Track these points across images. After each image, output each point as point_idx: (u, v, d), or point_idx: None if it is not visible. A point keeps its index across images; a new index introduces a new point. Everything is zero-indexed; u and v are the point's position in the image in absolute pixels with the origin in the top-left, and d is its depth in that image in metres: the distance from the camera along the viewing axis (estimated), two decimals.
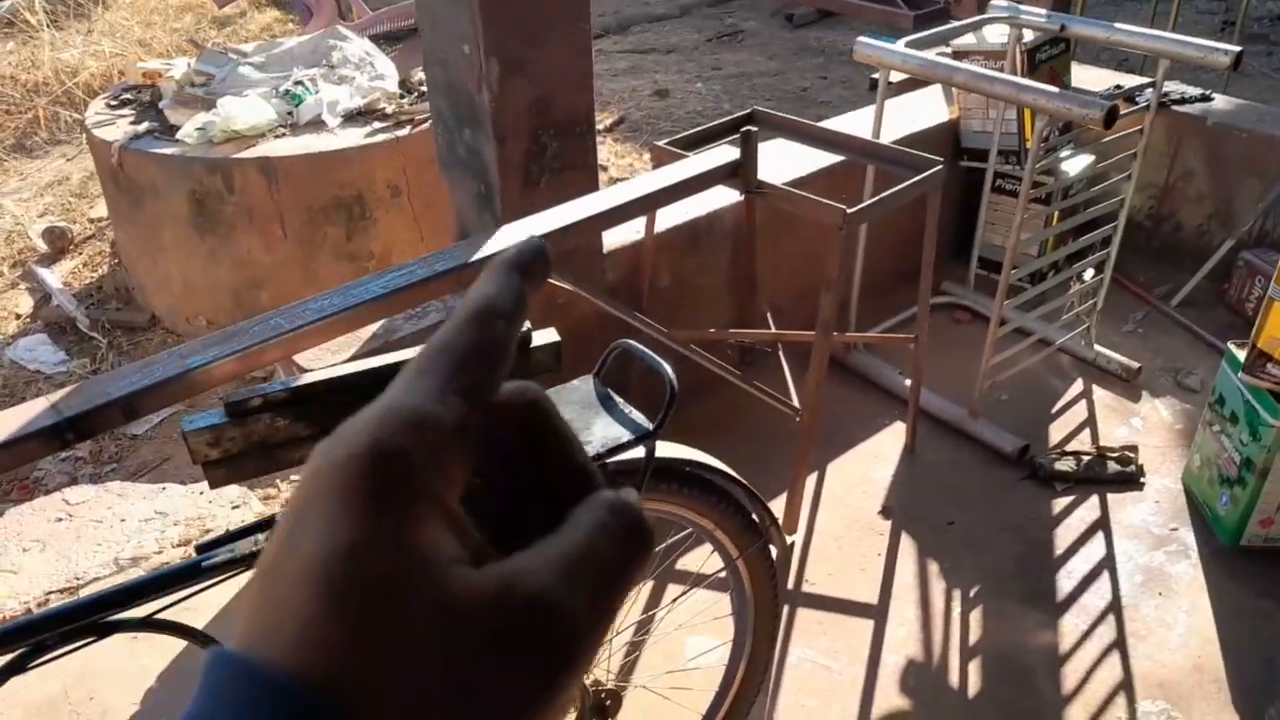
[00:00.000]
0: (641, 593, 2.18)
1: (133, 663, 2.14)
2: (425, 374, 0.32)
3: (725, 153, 2.01)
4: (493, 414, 0.34)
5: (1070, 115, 2.20)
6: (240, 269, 3.57)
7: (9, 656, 1.06)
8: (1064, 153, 2.96)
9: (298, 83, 3.76)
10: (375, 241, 3.59)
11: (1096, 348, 3.08)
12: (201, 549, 1.15)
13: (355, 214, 3.52)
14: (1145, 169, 2.93)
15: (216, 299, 3.65)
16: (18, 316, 3.94)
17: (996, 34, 3.08)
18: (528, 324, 1.38)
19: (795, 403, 2.32)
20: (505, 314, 0.35)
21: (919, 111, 3.35)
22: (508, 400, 0.36)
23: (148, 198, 3.55)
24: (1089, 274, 3.01)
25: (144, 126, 3.66)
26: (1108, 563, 2.39)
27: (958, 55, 3.07)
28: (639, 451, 1.37)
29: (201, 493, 2.79)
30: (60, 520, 2.67)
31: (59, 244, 4.29)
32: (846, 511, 2.54)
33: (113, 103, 3.95)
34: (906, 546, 2.43)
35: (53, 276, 4.11)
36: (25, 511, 2.72)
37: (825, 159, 2.69)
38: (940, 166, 2.18)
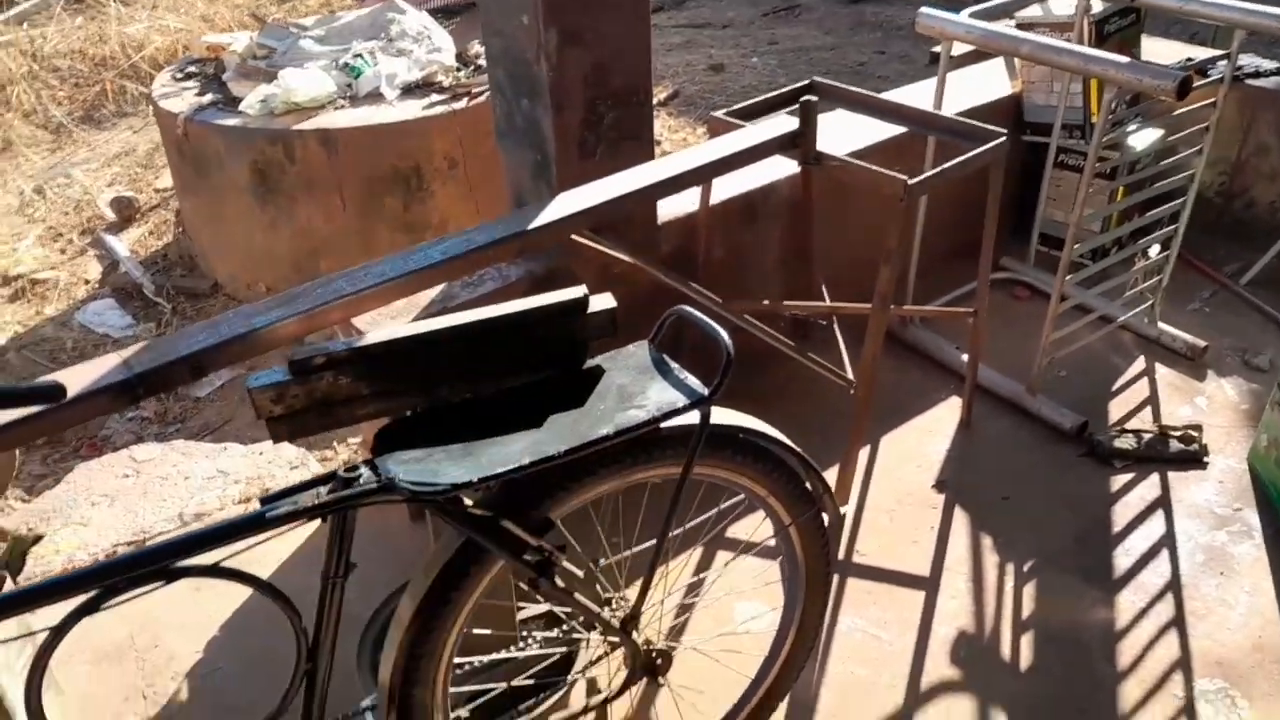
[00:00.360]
0: (693, 557, 2.20)
1: (196, 612, 2.21)
2: None
3: (784, 123, 1.99)
4: None
5: (1141, 86, 2.14)
6: (300, 238, 3.63)
7: (83, 597, 1.10)
8: (1131, 127, 2.88)
9: (357, 55, 3.80)
10: (432, 213, 3.63)
11: (1160, 325, 3.01)
12: (265, 501, 1.19)
13: (413, 185, 3.56)
14: (1216, 144, 2.84)
15: (276, 267, 3.72)
16: (87, 282, 4.06)
17: (1063, 5, 3.00)
18: (583, 289, 1.39)
19: (850, 375, 2.31)
20: None
21: (981, 85, 3.29)
22: None
23: (211, 168, 3.63)
24: (1154, 250, 2.93)
25: (208, 99, 3.73)
26: (1167, 541, 2.34)
27: (1022, 27, 3.00)
28: (693, 417, 1.38)
29: (261, 453, 2.86)
30: (127, 476, 2.75)
31: (126, 213, 4.40)
32: (899, 485, 2.52)
33: (178, 76, 4.03)
34: (960, 521, 2.41)
35: (120, 244, 4.22)
36: (94, 467, 2.82)
37: (885, 131, 2.65)
38: (1004, 137, 2.14)
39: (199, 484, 2.71)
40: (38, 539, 2.55)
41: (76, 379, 1.33)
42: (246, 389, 1.21)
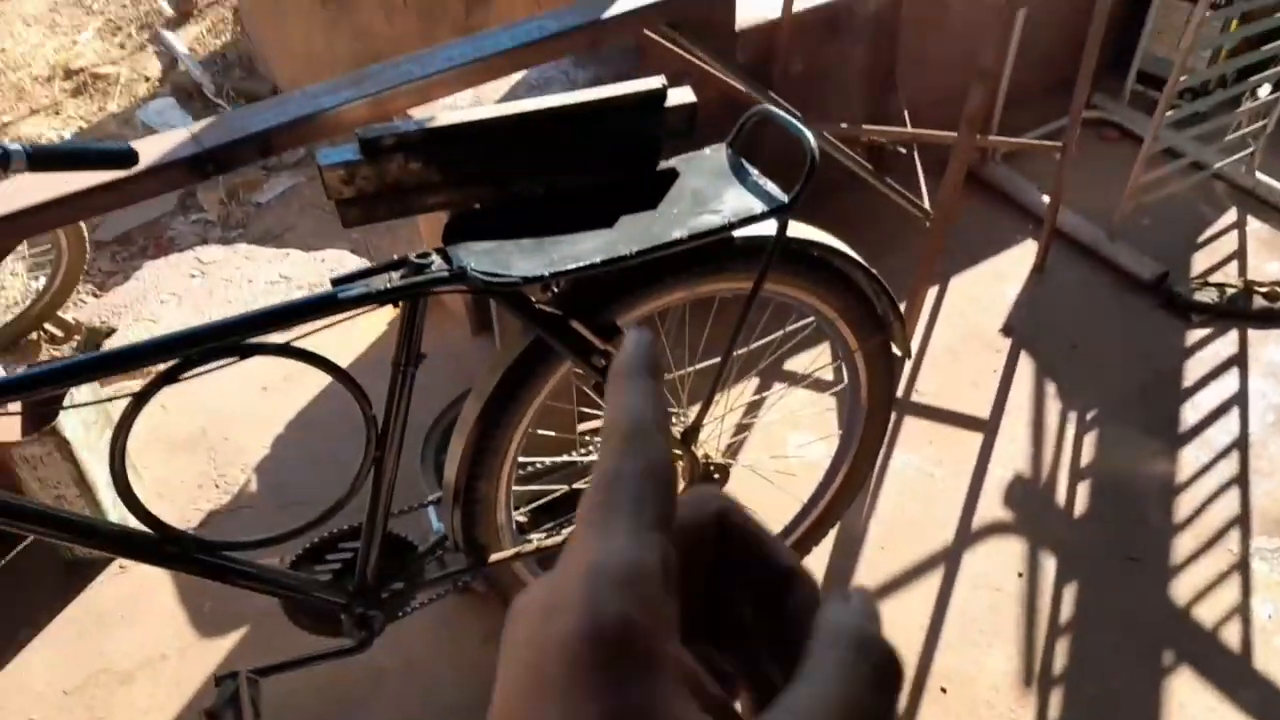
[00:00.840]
0: (752, 381, 2.18)
1: (263, 410, 2.26)
2: (612, 513, 0.29)
3: None
4: (682, 535, 0.30)
5: None
6: (360, 40, 3.52)
7: (163, 367, 1.11)
8: None
9: None
10: (494, 19, 3.47)
11: (1259, 175, 2.84)
12: (337, 282, 1.17)
13: None
14: None
15: (336, 70, 3.60)
16: (147, 80, 4.00)
17: None
18: (663, 79, 1.31)
19: (927, 206, 2.21)
20: (658, 425, 0.31)
21: None
22: (693, 518, 0.33)
23: None
24: (1264, 91, 2.73)
25: None
26: (1239, 399, 2.28)
27: None
28: (770, 228, 1.32)
29: (323, 260, 2.86)
30: (194, 277, 2.78)
31: (184, 8, 4.30)
32: (965, 326, 2.46)
33: None
34: (1024, 366, 2.36)
35: (179, 41, 4.13)
36: (161, 266, 2.85)
37: None
38: None
39: (263, 287, 2.74)
40: (111, 331, 2.60)
41: (148, 150, 1.31)
42: (317, 165, 1.18)
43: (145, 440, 2.19)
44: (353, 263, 2.81)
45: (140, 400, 1.09)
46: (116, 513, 1.88)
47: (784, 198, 1.30)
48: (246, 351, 1.14)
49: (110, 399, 1.16)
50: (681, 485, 1.57)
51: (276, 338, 1.14)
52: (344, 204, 1.22)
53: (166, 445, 2.19)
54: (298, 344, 1.18)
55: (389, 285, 1.16)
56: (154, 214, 3.26)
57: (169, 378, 1.10)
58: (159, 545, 1.21)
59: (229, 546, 1.28)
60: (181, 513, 2.04)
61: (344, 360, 2.32)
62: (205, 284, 2.72)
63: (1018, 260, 2.66)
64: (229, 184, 3.32)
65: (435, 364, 2.35)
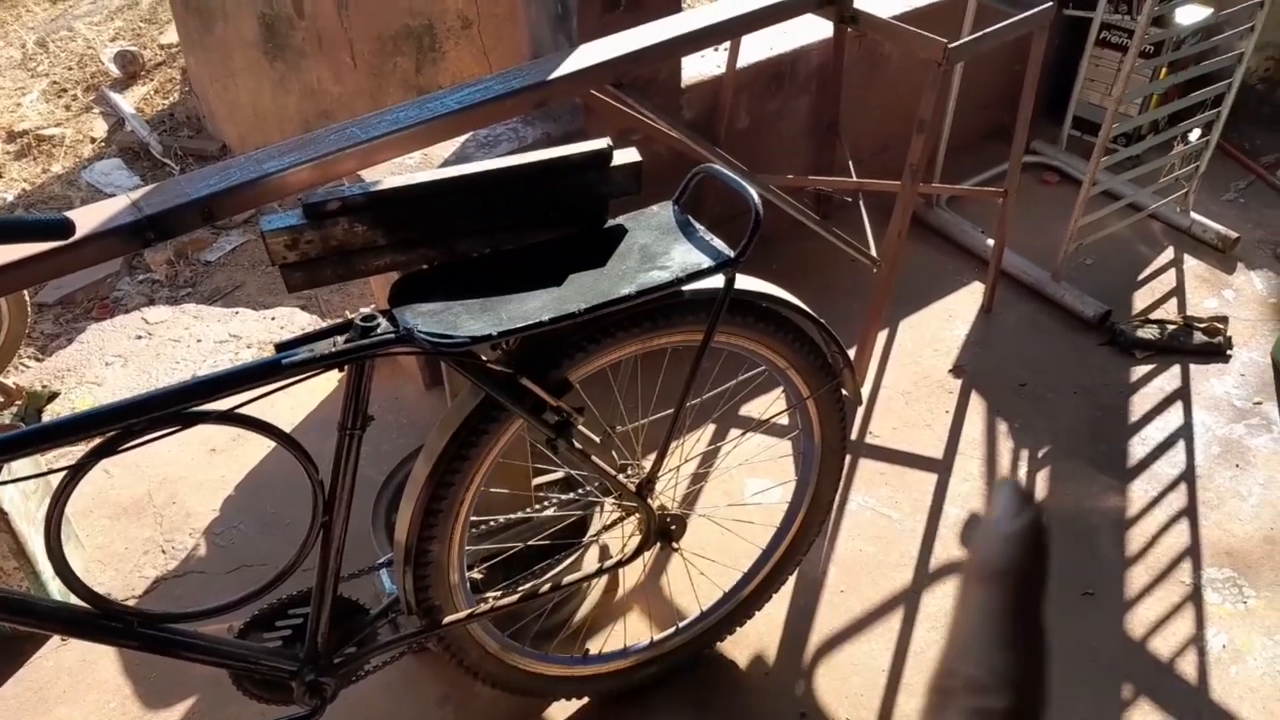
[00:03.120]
0: (708, 428, 2.19)
1: (211, 473, 2.22)
2: None
3: None
4: None
5: None
6: (309, 98, 3.52)
7: (101, 439, 1.08)
8: (1178, 1, 2.73)
9: None
10: (444, 75, 3.51)
11: (1193, 215, 2.93)
12: (281, 347, 1.16)
13: (425, 45, 3.43)
14: (1266, 25, 2.70)
15: (285, 129, 3.63)
16: (93, 141, 3.97)
17: None
18: (608, 141, 1.33)
19: (874, 253, 2.25)
20: None
21: None
22: None
23: (217, 21, 3.50)
24: (1194, 135, 2.83)
25: None
26: (1184, 432, 2.33)
27: None
28: (718, 281, 1.34)
29: (273, 318, 2.83)
30: (140, 338, 2.74)
31: (131, 69, 4.28)
32: (917, 368, 2.49)
33: None
34: (976, 405, 2.39)
35: (125, 102, 4.11)
36: (107, 328, 2.80)
37: None
38: (1051, 3, 2.03)
39: (211, 347, 2.70)
40: (53, 396, 2.55)
41: (86, 219, 1.29)
42: (260, 232, 1.17)
43: (88, 506, 2.13)
44: (303, 320, 2.79)
45: (77, 473, 1.07)
46: (57, 585, 1.83)
47: (730, 253, 1.31)
48: (189, 420, 1.12)
49: (46, 473, 1.13)
50: (637, 538, 1.56)
51: (222, 403, 1.13)
52: (288, 269, 1.22)
53: (110, 511, 2.14)
54: (243, 409, 1.17)
55: (334, 349, 1.15)
56: (99, 275, 3.21)
57: (107, 450, 1.08)
58: (99, 622, 1.18)
59: (173, 619, 1.25)
60: (126, 580, 1.99)
61: (293, 419, 2.31)
62: (151, 345, 2.68)
63: (965, 302, 2.70)
64: (177, 243, 3.29)
65: (387, 419, 2.34)
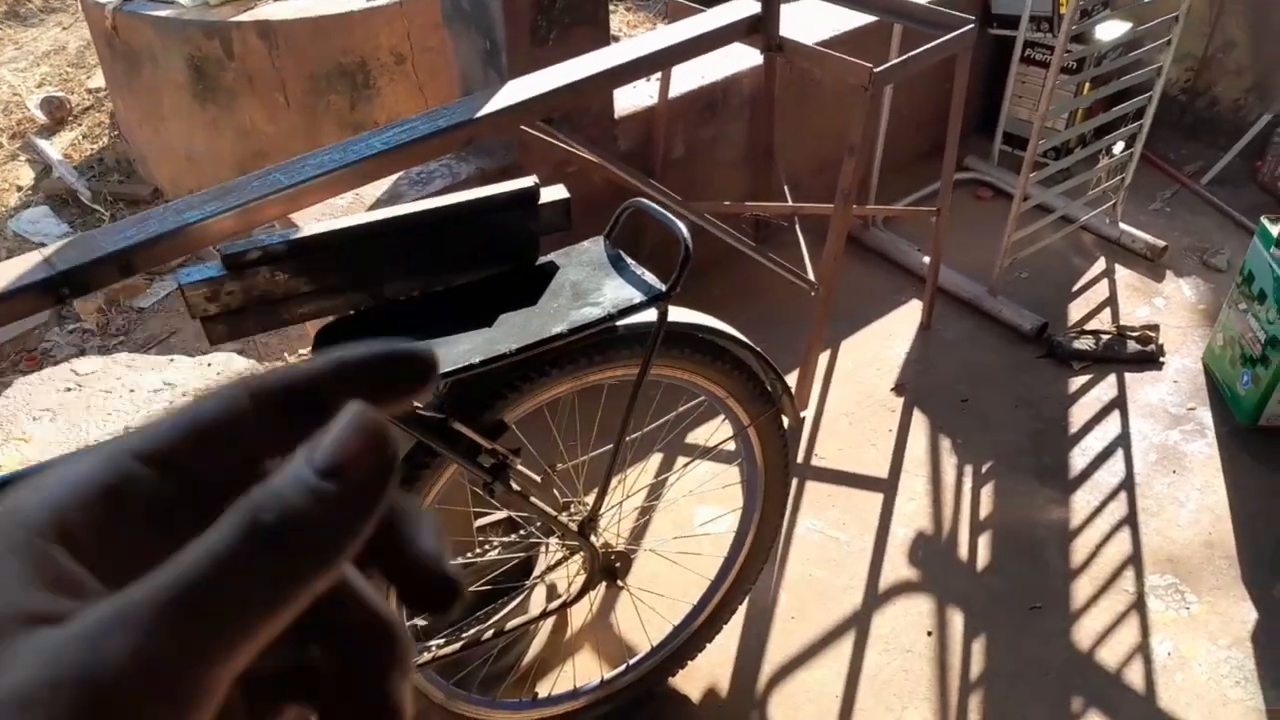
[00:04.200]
0: (651, 460, 2.18)
1: None
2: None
3: (745, 6, 1.90)
4: None
5: None
6: (243, 139, 3.47)
7: None
8: (1098, 18, 2.81)
9: None
10: (379, 111, 3.48)
11: (1122, 226, 2.99)
12: None
13: (359, 82, 3.40)
14: (1183, 38, 2.79)
15: (220, 171, 3.56)
16: (19, 189, 3.87)
17: None
18: (534, 179, 1.32)
19: (811, 277, 2.26)
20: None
21: None
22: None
23: (145, 64, 3.44)
24: (1118, 148, 2.90)
25: None
26: (1122, 441, 2.37)
27: None
28: (651, 315, 1.33)
29: (210, 364, 2.77)
30: (69, 390, 2.66)
31: (58, 114, 4.19)
32: (859, 388, 2.51)
33: None
34: (919, 423, 2.41)
35: (52, 148, 4.02)
36: (34, 381, 2.72)
37: (849, 21, 2.56)
38: (972, 25, 2.07)
39: (145, 396, 2.63)
40: None
41: None
42: (178, 285, 1.14)
43: None
44: (240, 365, 2.73)
45: None
46: None
47: (662, 286, 1.31)
48: None
49: None
50: (581, 578, 1.54)
51: None
52: (209, 321, 1.19)
53: None
54: None
55: None
56: (27, 326, 3.12)
57: None
58: None
59: None
60: None
61: None
62: (82, 397, 2.61)
63: (904, 320, 2.73)
64: (109, 291, 3.21)
65: None
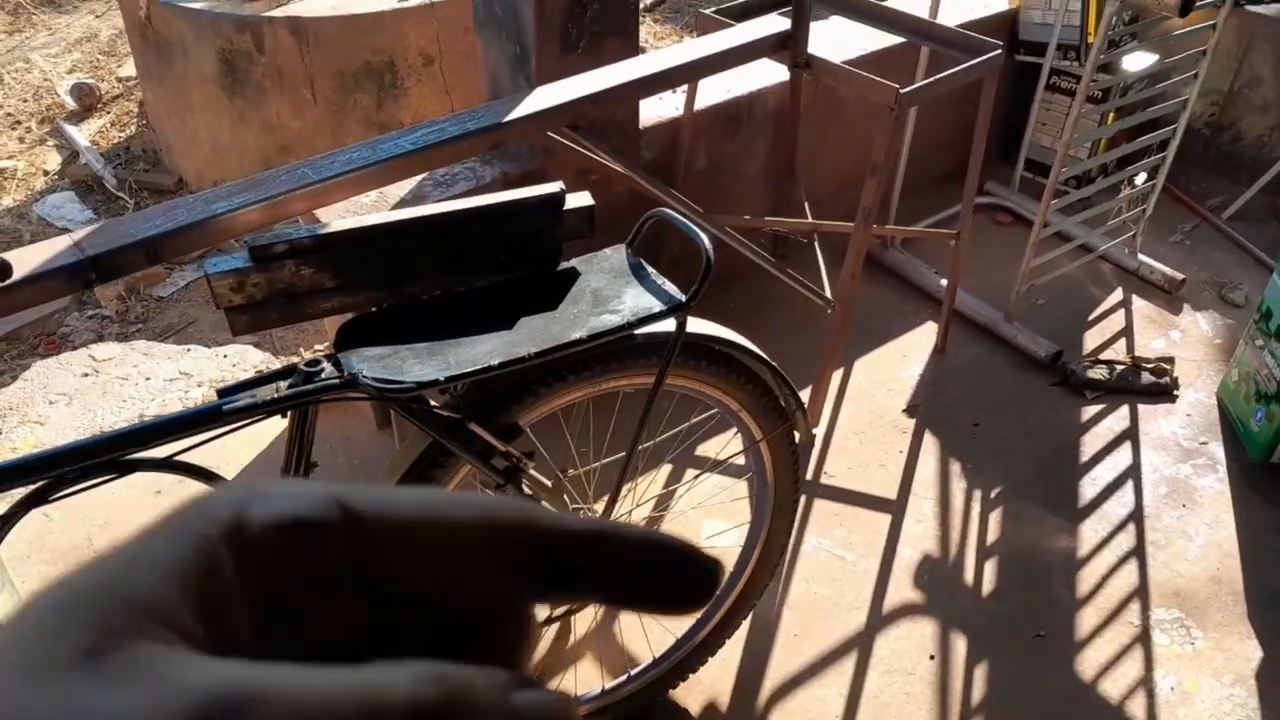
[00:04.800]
0: (662, 471, 2.18)
1: (156, 514, 2.17)
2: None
3: (775, 23, 1.91)
4: None
5: (1145, 1, 2.07)
6: (268, 133, 3.50)
7: (32, 487, 1.06)
8: (1126, 48, 2.81)
9: None
10: (405, 112, 3.51)
11: (1140, 257, 2.99)
12: (223, 393, 1.14)
13: (386, 82, 3.43)
14: (1210, 72, 2.79)
15: (244, 164, 3.60)
16: (46, 173, 3.91)
17: None
18: (560, 185, 1.34)
19: (828, 294, 2.27)
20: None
21: (975, 0, 3.19)
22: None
23: (176, 55, 3.47)
24: (1140, 179, 2.89)
25: None
26: (1132, 472, 2.36)
27: None
28: (669, 325, 1.34)
29: (225, 356, 2.79)
30: (87, 375, 2.68)
31: (87, 101, 4.23)
32: (871, 408, 2.51)
33: None
34: (929, 445, 2.41)
35: (80, 134, 4.06)
36: (52, 365, 2.74)
37: (876, 41, 2.57)
38: (1000, 50, 2.07)
39: (160, 385, 2.65)
40: None
41: (26, 259, 1.27)
42: (205, 275, 1.15)
43: (25, 551, 2.07)
44: (256, 357, 2.75)
45: (5, 524, 1.04)
46: None
47: (681, 297, 1.32)
48: (126, 468, 1.09)
49: None
50: None
51: (162, 449, 1.10)
52: (233, 311, 1.20)
53: (48, 556, 2.08)
54: (184, 456, 1.15)
55: (276, 395, 1.13)
56: (47, 310, 3.15)
57: (38, 499, 1.05)
58: None
59: None
60: None
61: (244, 458, 2.27)
62: (99, 383, 2.63)
63: (919, 342, 2.73)
64: (129, 279, 3.23)
65: (338, 460, 2.31)
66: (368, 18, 3.31)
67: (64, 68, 4.61)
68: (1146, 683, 1.90)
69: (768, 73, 2.55)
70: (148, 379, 2.66)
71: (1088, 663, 1.93)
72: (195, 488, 1.18)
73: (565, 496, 1.50)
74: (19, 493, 1.05)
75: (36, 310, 3.12)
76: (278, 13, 3.29)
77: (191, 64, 3.44)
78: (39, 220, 3.63)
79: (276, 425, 2.26)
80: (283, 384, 1.16)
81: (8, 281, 1.16)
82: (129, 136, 4.11)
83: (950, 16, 2.94)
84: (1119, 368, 2.62)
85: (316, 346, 2.91)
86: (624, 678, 1.76)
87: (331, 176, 1.45)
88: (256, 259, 1.17)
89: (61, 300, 3.19)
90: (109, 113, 4.26)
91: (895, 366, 2.64)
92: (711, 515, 2.13)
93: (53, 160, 3.99)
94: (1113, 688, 1.89)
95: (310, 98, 3.40)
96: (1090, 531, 2.21)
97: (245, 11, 3.31)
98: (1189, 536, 2.20)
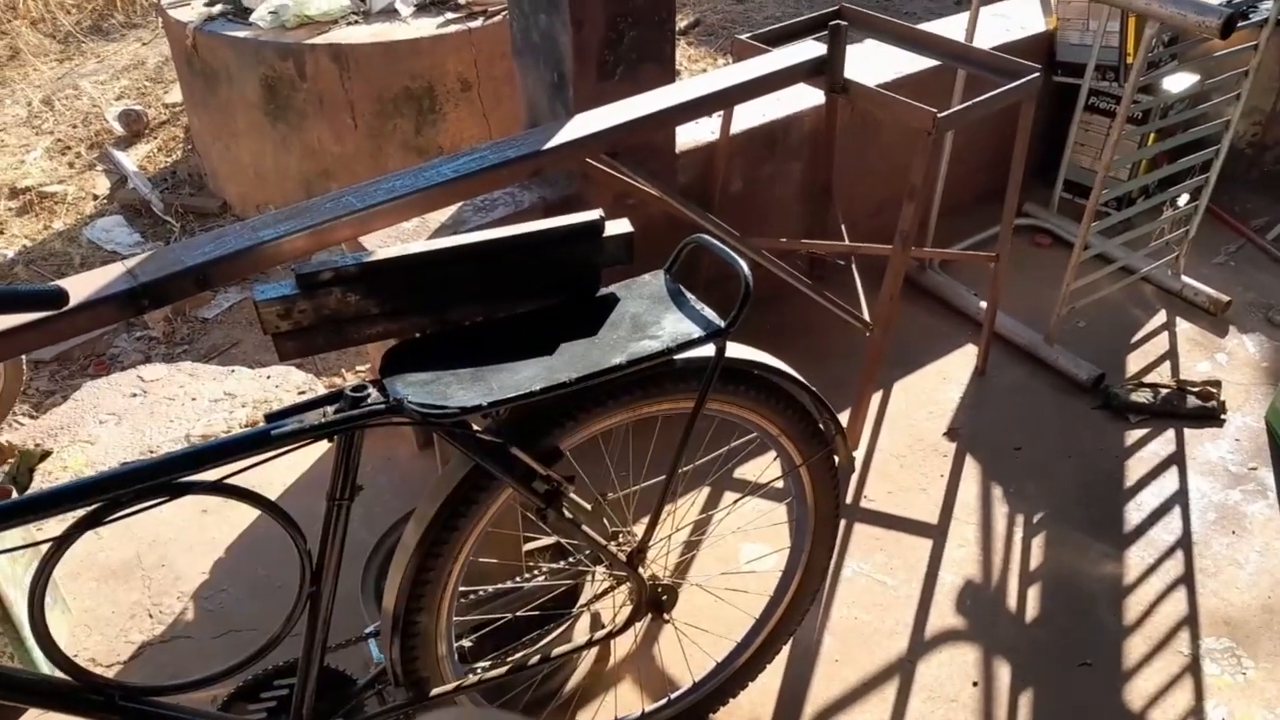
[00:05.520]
0: (701, 495, 2.18)
1: (202, 535, 2.20)
2: None
3: (811, 48, 1.92)
4: None
5: (1185, 23, 2.06)
6: (310, 158, 3.57)
7: (86, 510, 1.08)
8: (1166, 69, 2.79)
9: None
10: (443, 136, 3.56)
11: (1184, 279, 2.95)
12: (270, 418, 1.16)
13: (425, 107, 3.48)
14: (1253, 92, 2.75)
15: (286, 187, 3.66)
16: (95, 198, 4.00)
17: None
18: (600, 213, 1.35)
19: (866, 317, 2.26)
20: None
21: (1012, 22, 3.18)
22: None
23: (221, 82, 3.55)
24: (1183, 200, 2.86)
25: (218, 9, 3.63)
26: (1179, 498, 2.32)
27: None
28: (708, 350, 1.34)
29: (269, 377, 2.83)
30: (135, 396, 2.74)
31: (135, 127, 4.33)
32: (911, 431, 2.49)
33: None
34: (970, 469, 2.38)
35: (128, 160, 4.15)
36: (102, 386, 2.80)
37: (912, 64, 2.57)
38: (1037, 73, 2.07)
39: (206, 406, 2.69)
40: (45, 455, 2.54)
41: (81, 287, 1.30)
42: (253, 302, 1.18)
43: (76, 569, 2.11)
44: (299, 379, 2.79)
45: (61, 546, 1.06)
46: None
47: (720, 322, 1.32)
48: (177, 491, 1.11)
49: (30, 545, 1.12)
50: (628, 609, 1.54)
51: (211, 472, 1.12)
52: (280, 337, 1.22)
53: (99, 573, 2.12)
54: (233, 479, 1.16)
55: (323, 420, 1.15)
56: (97, 332, 3.22)
57: (93, 522, 1.07)
58: (80, 695, 1.16)
59: (155, 691, 1.23)
60: (112, 647, 1.96)
61: (288, 478, 2.30)
62: (146, 403, 2.68)
63: (959, 364, 2.71)
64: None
65: (380, 480, 2.33)
66: (406, 44, 3.37)
67: (112, 94, 4.73)
68: (1197, 713, 1.86)
69: (803, 96, 2.56)
70: (194, 399, 2.71)
71: (1136, 692, 1.90)
72: (244, 510, 1.20)
73: (604, 520, 1.50)
74: (74, 515, 1.07)
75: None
76: (319, 40, 3.36)
77: (235, 90, 3.52)
78: (89, 243, 3.72)
79: (320, 446, 2.29)
80: (329, 409, 1.17)
81: (64, 309, 1.19)
82: (175, 161, 4.20)
83: (987, 39, 2.94)
84: (1163, 391, 2.58)
85: (359, 367, 2.95)
86: (663, 701, 1.75)
87: (375, 204, 1.47)
88: (303, 286, 1.19)
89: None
90: (156, 138, 4.36)
91: (935, 389, 2.63)
92: (751, 539, 2.13)
93: (101, 185, 4.08)
94: (1162, 718, 1.85)
95: (351, 123, 3.46)
96: (1136, 558, 2.17)
97: (287, 39, 3.37)
98: (1239, 564, 2.15)
